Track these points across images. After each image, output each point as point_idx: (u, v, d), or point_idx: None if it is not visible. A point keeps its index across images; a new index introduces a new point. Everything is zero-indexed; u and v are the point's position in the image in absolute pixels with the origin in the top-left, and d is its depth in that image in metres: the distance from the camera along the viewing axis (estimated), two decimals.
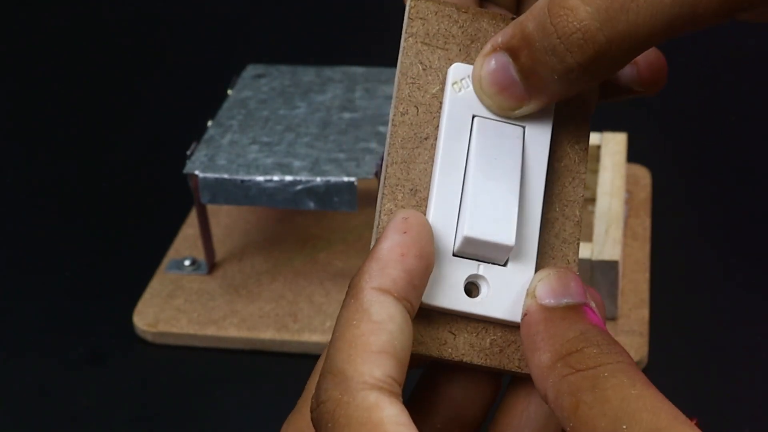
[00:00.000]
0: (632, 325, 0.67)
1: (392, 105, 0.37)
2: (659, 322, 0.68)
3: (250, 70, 0.80)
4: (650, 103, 0.92)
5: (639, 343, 0.66)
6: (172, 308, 0.71)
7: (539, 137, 0.37)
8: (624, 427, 0.31)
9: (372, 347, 0.33)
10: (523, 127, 0.37)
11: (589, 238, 0.69)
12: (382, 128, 0.72)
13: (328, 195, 0.67)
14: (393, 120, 0.37)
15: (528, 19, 0.35)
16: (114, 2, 1.13)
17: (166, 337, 0.70)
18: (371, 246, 0.36)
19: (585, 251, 0.65)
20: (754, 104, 0.90)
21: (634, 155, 0.77)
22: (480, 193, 0.36)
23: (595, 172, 0.75)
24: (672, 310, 0.70)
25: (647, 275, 0.71)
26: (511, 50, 0.35)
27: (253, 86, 0.78)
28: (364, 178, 0.67)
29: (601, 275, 0.65)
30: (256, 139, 0.71)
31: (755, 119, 0.89)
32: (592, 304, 0.35)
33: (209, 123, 0.73)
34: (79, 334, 0.71)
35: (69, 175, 0.87)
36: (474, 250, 0.36)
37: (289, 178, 0.67)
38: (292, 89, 0.77)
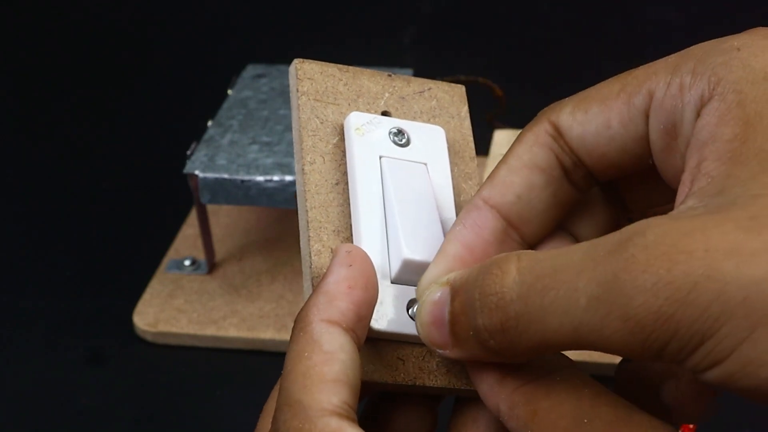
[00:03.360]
0: None
1: (299, 155, 0.39)
2: None
3: (250, 70, 0.80)
4: None
5: None
6: (172, 308, 0.71)
7: (441, 172, 0.40)
8: (585, 421, 0.32)
9: (326, 377, 0.33)
10: (425, 164, 0.40)
11: None
12: None
13: None
14: (304, 169, 0.39)
15: (477, 266, 0.33)
16: (114, 2, 1.13)
17: (166, 337, 0.70)
18: (304, 286, 0.37)
19: None
20: None
21: None
22: (408, 221, 0.38)
23: None
24: None
25: None
26: (453, 291, 0.34)
27: (253, 86, 0.78)
28: None
29: None
30: (256, 139, 0.71)
31: None
32: None
33: (209, 123, 0.73)
34: (79, 334, 0.71)
35: (69, 174, 0.87)
36: (411, 275, 0.37)
37: (289, 178, 0.67)
38: None
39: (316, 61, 0.41)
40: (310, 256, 0.37)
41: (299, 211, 0.38)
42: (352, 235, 0.38)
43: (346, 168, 0.39)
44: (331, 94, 0.41)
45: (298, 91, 0.40)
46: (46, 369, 0.69)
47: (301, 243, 0.38)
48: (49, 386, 0.68)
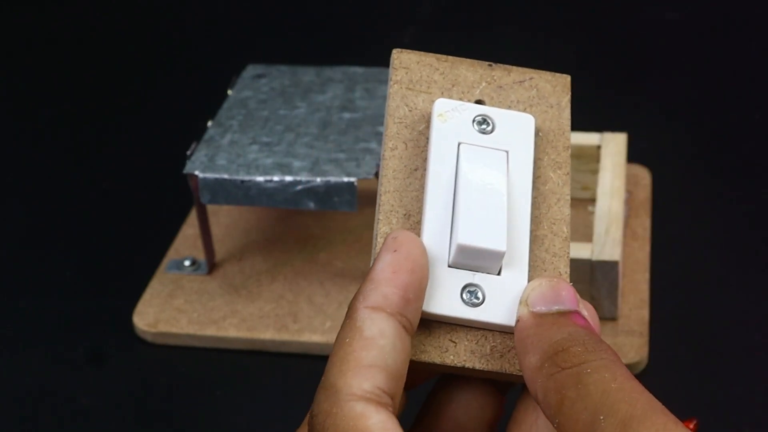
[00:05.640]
0: (632, 325, 0.67)
1: (383, 142, 0.40)
2: (659, 322, 0.68)
3: (250, 70, 0.80)
4: (650, 103, 0.92)
5: (639, 343, 0.66)
6: (172, 308, 0.71)
7: (522, 161, 0.40)
8: (601, 418, 0.32)
9: (362, 362, 0.34)
10: (507, 152, 0.40)
11: (589, 238, 0.69)
12: (381, 128, 0.72)
13: (328, 195, 0.67)
14: (384, 155, 0.40)
15: None
16: (114, 2, 1.13)
17: (166, 337, 0.70)
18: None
19: (585, 251, 0.65)
20: (754, 104, 0.90)
21: (634, 155, 0.77)
22: (470, 206, 0.38)
23: (595, 172, 0.75)
24: (672, 310, 0.70)
25: (647, 275, 0.71)
26: None
27: (253, 86, 0.78)
28: (364, 178, 0.67)
29: (601, 275, 0.65)
30: (256, 139, 0.71)
31: (755, 119, 0.89)
32: (584, 312, 0.36)
33: (209, 123, 0.73)
34: (79, 334, 0.71)
35: (69, 174, 0.87)
36: (468, 260, 0.38)
37: (289, 178, 0.67)
38: (292, 89, 0.77)
39: (414, 51, 0.42)
40: (377, 239, 0.38)
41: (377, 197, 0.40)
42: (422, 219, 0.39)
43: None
44: (425, 82, 0.41)
45: (391, 79, 0.41)
46: (46, 369, 0.69)
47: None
48: (49, 386, 0.68)
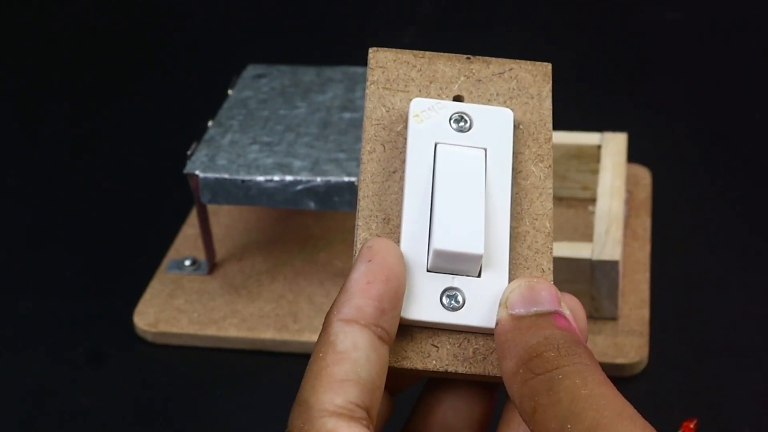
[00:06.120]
0: (632, 325, 0.67)
1: (361, 145, 0.39)
2: (659, 322, 0.68)
3: (250, 70, 0.80)
4: (650, 103, 0.92)
5: (639, 343, 0.66)
6: (172, 308, 0.71)
7: (501, 157, 0.39)
8: (569, 426, 0.32)
9: (335, 377, 0.34)
10: (485, 149, 0.39)
11: (589, 238, 0.69)
12: None
13: (328, 195, 0.67)
14: (362, 158, 0.39)
15: None
16: (114, 2, 1.13)
17: (166, 337, 0.70)
18: None
19: (585, 251, 0.65)
20: (754, 104, 0.90)
21: (634, 155, 0.77)
22: (447, 209, 0.37)
23: (595, 172, 0.75)
24: (672, 310, 0.70)
25: (647, 275, 0.71)
26: None
27: (253, 86, 0.78)
28: None
29: (601, 275, 0.65)
30: (257, 139, 0.71)
31: (755, 119, 0.89)
32: (566, 312, 0.36)
33: (209, 123, 0.73)
34: (79, 334, 0.71)
35: (69, 174, 0.87)
36: (446, 264, 0.37)
37: (289, 178, 0.67)
38: (292, 89, 0.77)
39: (391, 49, 0.41)
40: (357, 245, 0.38)
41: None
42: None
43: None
44: (402, 81, 0.40)
45: (368, 80, 0.41)
46: (46, 369, 0.69)
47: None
48: (49, 386, 0.67)
